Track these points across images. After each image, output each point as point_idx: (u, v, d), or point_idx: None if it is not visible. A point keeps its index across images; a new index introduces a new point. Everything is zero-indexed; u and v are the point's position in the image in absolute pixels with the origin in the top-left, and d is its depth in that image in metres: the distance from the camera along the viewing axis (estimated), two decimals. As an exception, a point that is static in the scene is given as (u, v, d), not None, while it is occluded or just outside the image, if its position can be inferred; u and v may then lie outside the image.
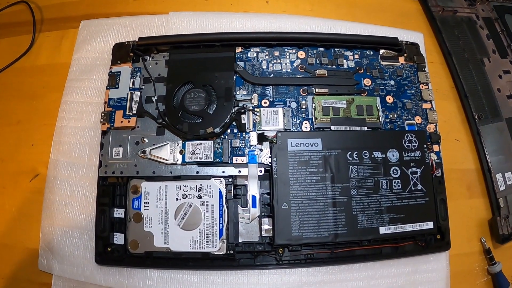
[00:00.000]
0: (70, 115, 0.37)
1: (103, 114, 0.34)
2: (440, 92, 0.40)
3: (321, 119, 0.33)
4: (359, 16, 0.42)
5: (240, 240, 0.31)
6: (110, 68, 0.36)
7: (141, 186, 0.32)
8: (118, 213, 0.32)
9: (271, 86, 0.34)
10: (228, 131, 0.33)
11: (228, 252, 0.30)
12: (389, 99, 0.35)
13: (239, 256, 0.30)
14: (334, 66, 0.35)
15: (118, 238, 0.32)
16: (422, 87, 0.36)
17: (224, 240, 0.30)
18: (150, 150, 0.33)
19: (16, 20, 0.43)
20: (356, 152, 0.32)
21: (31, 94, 0.39)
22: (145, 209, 0.32)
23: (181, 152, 0.32)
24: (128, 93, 0.34)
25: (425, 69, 0.37)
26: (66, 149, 0.36)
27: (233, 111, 0.33)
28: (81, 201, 0.34)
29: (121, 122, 0.34)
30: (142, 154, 0.33)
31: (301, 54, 0.35)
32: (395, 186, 0.32)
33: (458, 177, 0.38)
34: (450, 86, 0.41)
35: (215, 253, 0.30)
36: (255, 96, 0.33)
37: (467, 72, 0.41)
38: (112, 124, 0.33)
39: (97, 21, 0.40)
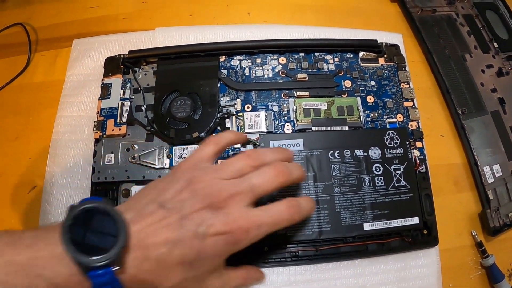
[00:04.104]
0: (64, 129, 0.39)
1: (95, 123, 0.36)
2: (422, 90, 0.41)
3: (303, 121, 0.34)
4: (339, 22, 0.43)
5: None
6: (102, 80, 0.38)
7: (131, 189, 0.33)
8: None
9: (253, 92, 0.35)
10: (213, 135, 0.34)
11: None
12: (370, 99, 0.36)
13: (226, 256, 0.31)
14: (314, 70, 0.36)
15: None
16: (403, 86, 0.37)
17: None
18: (140, 155, 0.34)
19: (12, 41, 0.45)
20: (338, 151, 0.33)
21: (28, 111, 0.41)
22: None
23: (168, 156, 0.34)
24: (119, 103, 0.36)
25: (405, 69, 0.38)
26: (61, 161, 0.37)
27: (217, 116, 0.34)
28: (76, 209, 0.36)
29: (113, 130, 0.35)
30: (132, 160, 0.34)
31: (282, 60, 0.37)
32: (378, 183, 0.33)
33: (444, 173, 0.38)
34: (432, 84, 0.42)
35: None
36: (238, 101, 0.35)
37: (448, 68, 0.41)
38: (104, 133, 0.35)
39: (89, 39, 0.42)
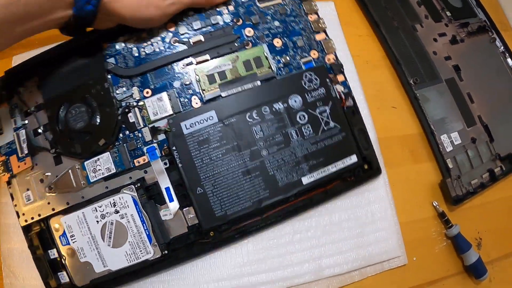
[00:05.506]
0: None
1: (-1, 166, 0.32)
2: (370, 63, 0.38)
3: (210, 89, 0.30)
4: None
5: (171, 237, 0.30)
6: (-12, 115, 0.33)
7: (61, 221, 0.31)
8: (53, 254, 0.32)
9: (148, 73, 0.31)
10: (121, 135, 0.31)
11: (164, 253, 0.30)
12: (277, 42, 0.32)
13: (175, 253, 0.30)
14: (209, 27, 0.32)
15: (63, 277, 0.31)
16: (311, 17, 0.33)
17: (156, 244, 0.30)
18: (55, 182, 0.31)
19: None
20: (255, 111, 0.30)
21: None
22: (73, 242, 0.31)
23: (83, 174, 0.31)
24: (13, 135, 0.32)
25: (310, -3, 0.34)
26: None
27: (118, 114, 0.30)
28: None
29: (19, 166, 0.32)
30: (50, 190, 0.31)
31: (171, 26, 0.32)
32: (306, 133, 0.30)
33: (399, 144, 0.37)
34: (381, 56, 0.39)
35: (152, 258, 0.30)
36: (135, 89, 0.31)
37: (397, 39, 0.39)
38: (11, 172, 0.32)
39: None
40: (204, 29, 0.32)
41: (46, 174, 0.32)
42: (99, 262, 0.30)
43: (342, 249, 0.32)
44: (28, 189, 0.32)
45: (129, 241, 0.30)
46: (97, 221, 0.30)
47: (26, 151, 0.32)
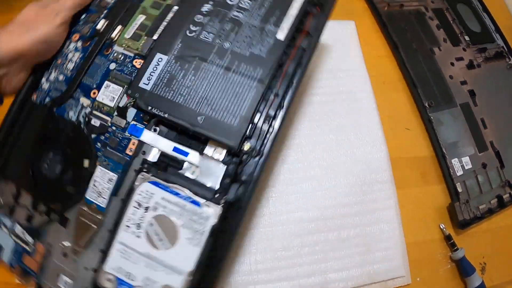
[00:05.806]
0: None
1: (15, 279, 0.27)
2: (387, 84, 0.39)
3: (141, 43, 0.29)
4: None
5: (217, 186, 0.25)
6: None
7: (107, 271, 0.25)
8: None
9: (82, 79, 0.29)
10: (98, 144, 0.27)
11: (222, 204, 0.25)
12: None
13: (231, 194, 0.25)
14: (105, 11, 0.31)
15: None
16: None
17: (207, 203, 0.25)
18: (75, 241, 0.27)
19: None
20: (191, 25, 0.28)
21: None
22: (135, 281, 0.25)
23: (93, 207, 0.26)
24: (11, 237, 0.28)
25: None
26: None
27: (82, 129, 0.28)
28: None
29: (36, 261, 0.27)
30: (77, 254, 0.26)
31: (75, 37, 0.31)
32: (246, 5, 0.29)
33: (410, 165, 0.37)
34: (398, 78, 0.40)
35: (216, 220, 0.25)
36: (82, 99, 0.28)
37: (415, 61, 0.39)
38: (35, 274, 0.27)
39: None
40: (102, 15, 0.31)
41: (65, 244, 0.27)
42: (173, 274, 0.25)
43: (348, 265, 0.32)
44: (58, 275, 0.27)
45: (181, 225, 0.25)
46: (138, 236, 0.25)
47: (31, 240, 0.28)
